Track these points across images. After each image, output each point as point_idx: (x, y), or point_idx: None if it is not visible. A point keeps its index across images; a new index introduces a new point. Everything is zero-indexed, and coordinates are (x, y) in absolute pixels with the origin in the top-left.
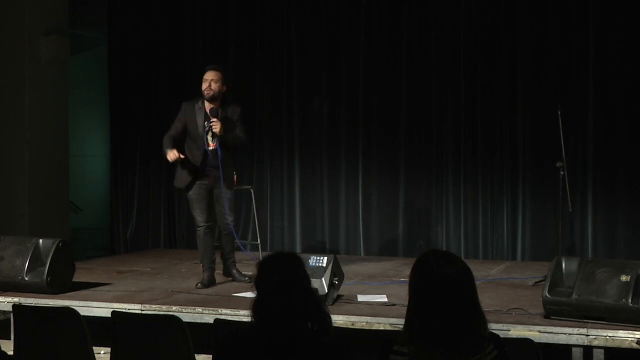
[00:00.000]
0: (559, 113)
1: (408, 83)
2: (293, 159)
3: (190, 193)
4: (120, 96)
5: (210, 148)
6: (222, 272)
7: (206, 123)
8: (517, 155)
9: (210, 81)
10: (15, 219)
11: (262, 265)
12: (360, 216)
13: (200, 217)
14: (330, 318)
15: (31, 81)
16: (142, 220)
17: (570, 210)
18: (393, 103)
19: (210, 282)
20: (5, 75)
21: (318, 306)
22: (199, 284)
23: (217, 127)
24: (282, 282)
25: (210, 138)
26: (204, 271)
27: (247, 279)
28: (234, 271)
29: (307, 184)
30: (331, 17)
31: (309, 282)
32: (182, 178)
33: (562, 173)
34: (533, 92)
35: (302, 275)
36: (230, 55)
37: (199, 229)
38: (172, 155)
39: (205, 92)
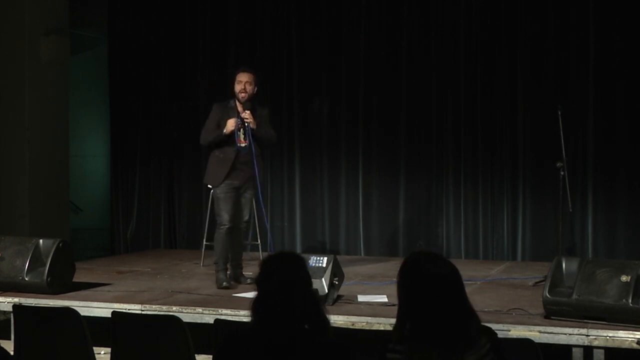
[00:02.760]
0: (559, 113)
1: (408, 83)
2: (293, 159)
3: (218, 191)
4: (120, 96)
5: (242, 145)
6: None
7: (238, 120)
8: (517, 155)
9: (245, 83)
10: (15, 219)
11: (263, 265)
12: (360, 216)
13: (225, 216)
14: (328, 322)
15: (31, 81)
16: (142, 220)
17: (570, 210)
18: (393, 103)
19: (236, 279)
20: (5, 75)
21: (317, 307)
22: (225, 283)
23: (250, 119)
24: (282, 282)
25: (242, 135)
26: (218, 270)
27: (248, 280)
28: (239, 273)
29: (307, 184)
30: (331, 17)
31: (310, 283)
32: (215, 175)
33: (562, 173)
34: (533, 92)
35: (303, 275)
36: (230, 55)
37: (222, 227)
38: (231, 124)
39: (240, 95)
